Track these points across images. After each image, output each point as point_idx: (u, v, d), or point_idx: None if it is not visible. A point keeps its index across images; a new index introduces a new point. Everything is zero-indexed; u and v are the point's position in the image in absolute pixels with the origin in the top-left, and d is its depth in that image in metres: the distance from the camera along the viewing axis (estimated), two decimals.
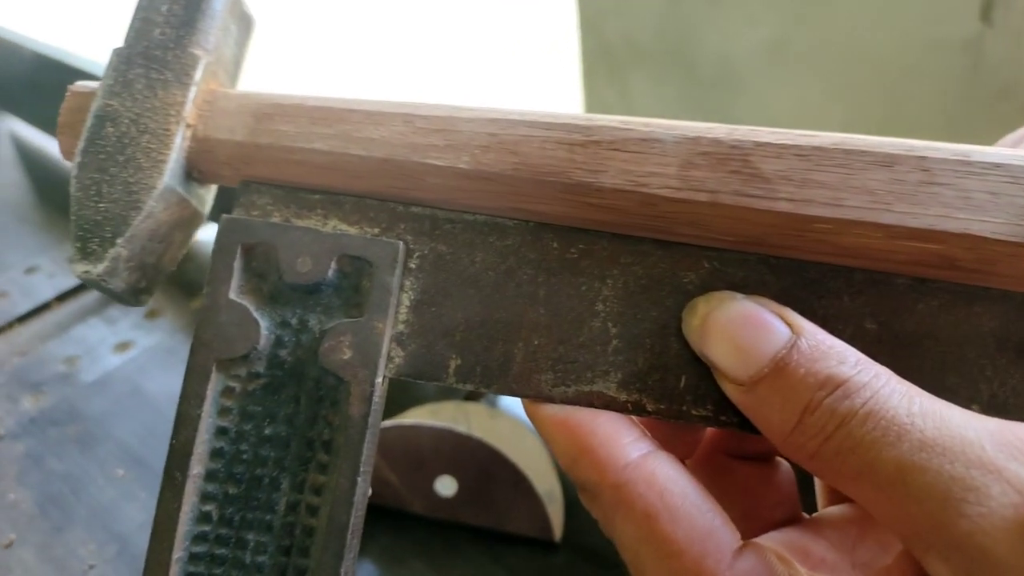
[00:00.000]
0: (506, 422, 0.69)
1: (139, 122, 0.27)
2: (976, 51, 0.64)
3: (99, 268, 0.26)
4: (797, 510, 0.30)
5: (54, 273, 0.89)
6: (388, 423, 0.64)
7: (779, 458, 0.31)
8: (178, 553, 0.24)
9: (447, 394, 0.73)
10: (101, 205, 0.26)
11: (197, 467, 0.25)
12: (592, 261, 0.26)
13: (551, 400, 0.25)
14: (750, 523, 0.29)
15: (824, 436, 0.21)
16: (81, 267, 0.26)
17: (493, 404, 0.72)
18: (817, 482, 0.31)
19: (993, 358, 0.24)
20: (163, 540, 0.24)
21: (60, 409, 0.74)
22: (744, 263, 0.25)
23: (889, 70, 0.73)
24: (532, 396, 0.25)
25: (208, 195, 0.30)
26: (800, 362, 0.22)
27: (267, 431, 0.25)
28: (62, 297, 0.86)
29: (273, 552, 0.25)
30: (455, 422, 0.67)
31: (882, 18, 0.71)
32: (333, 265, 0.25)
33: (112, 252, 0.26)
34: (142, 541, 0.64)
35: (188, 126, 0.28)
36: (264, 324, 0.25)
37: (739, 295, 0.24)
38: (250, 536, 0.25)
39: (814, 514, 0.29)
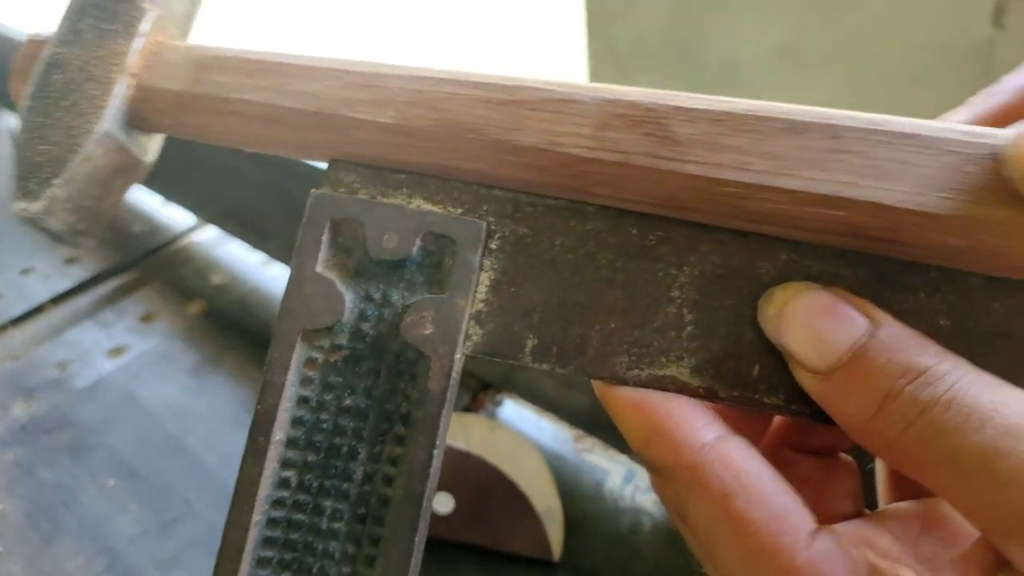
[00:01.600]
0: (506, 436, 0.69)
1: (85, 69, 0.29)
2: (987, 56, 0.65)
3: (36, 206, 0.27)
4: (860, 505, 0.30)
5: (49, 275, 0.88)
6: None
7: (842, 454, 0.31)
8: (257, 516, 0.25)
9: None
10: (42, 147, 0.28)
11: (279, 433, 0.25)
12: (670, 248, 0.26)
13: (625, 383, 0.26)
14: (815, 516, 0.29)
15: (905, 423, 0.22)
16: (20, 205, 0.28)
17: (493, 416, 0.72)
18: (879, 478, 0.32)
19: None
20: (244, 503, 0.25)
21: (52, 416, 0.74)
22: (821, 256, 0.26)
23: (898, 75, 0.73)
24: (607, 378, 0.26)
25: (151, 144, 0.32)
26: (880, 351, 0.23)
27: (347, 402, 0.26)
28: (56, 300, 0.85)
29: (349, 519, 0.25)
30: (454, 435, 0.67)
31: (891, 22, 0.71)
32: (418, 242, 0.26)
33: (49, 192, 0.27)
34: (132, 555, 0.63)
35: (132, 75, 0.29)
36: (348, 298, 0.26)
37: (817, 286, 0.25)
38: (327, 503, 0.25)
39: (877, 510, 0.30)
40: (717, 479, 0.24)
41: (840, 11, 0.77)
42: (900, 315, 0.25)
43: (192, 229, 0.96)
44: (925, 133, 0.24)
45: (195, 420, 0.72)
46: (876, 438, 0.23)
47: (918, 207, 0.24)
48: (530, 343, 0.26)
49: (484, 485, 0.64)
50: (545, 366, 0.26)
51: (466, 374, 0.75)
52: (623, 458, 0.70)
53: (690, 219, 0.26)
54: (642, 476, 0.68)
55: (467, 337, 0.26)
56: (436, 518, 0.65)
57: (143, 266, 0.90)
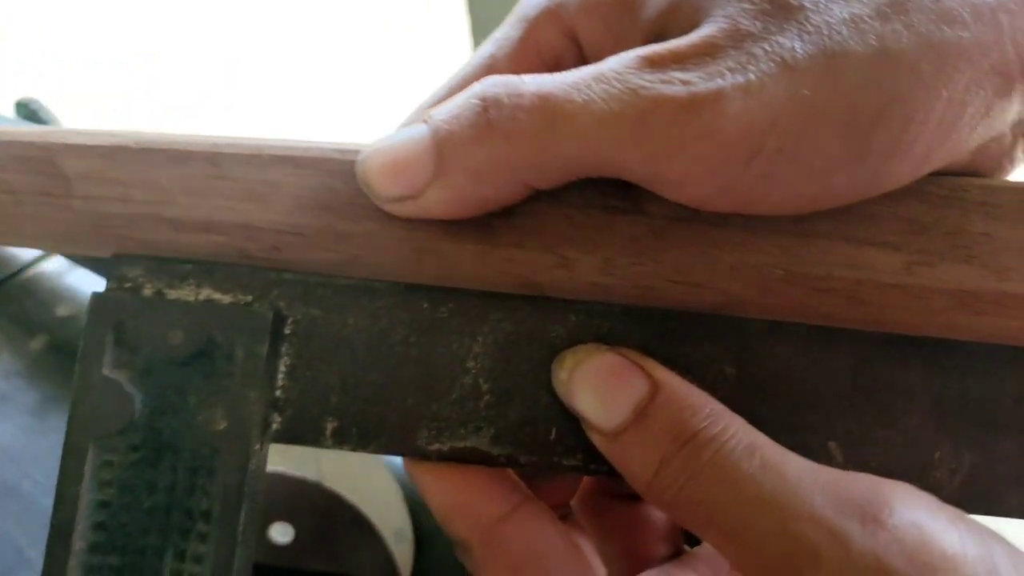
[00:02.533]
0: (356, 457, 0.69)
1: None
2: None
3: None
4: (678, 544, 0.32)
5: None
6: None
7: None
8: None
9: None
10: None
11: (80, 542, 0.25)
12: (462, 319, 0.27)
13: (428, 457, 0.26)
14: (632, 560, 0.31)
15: (678, 487, 0.23)
16: None
17: None
18: None
19: (848, 395, 0.26)
20: None
21: None
22: (608, 314, 0.27)
23: None
24: (408, 454, 0.27)
25: None
26: (658, 413, 0.24)
27: (148, 503, 0.26)
28: None
29: None
30: (303, 461, 0.66)
31: None
32: (205, 336, 0.26)
33: None
34: None
35: None
36: (139, 398, 0.26)
37: (604, 347, 0.26)
38: None
39: (693, 549, 0.31)
40: (507, 554, 0.25)
41: None
42: (687, 368, 0.26)
43: (39, 259, 0.91)
44: (299, 155, 0.26)
45: (32, 463, 0.69)
46: (656, 498, 0.24)
47: (288, 227, 0.26)
48: (330, 426, 0.27)
49: (323, 511, 0.64)
50: (347, 447, 0.27)
51: None
52: None
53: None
54: None
55: (266, 426, 0.26)
56: (277, 548, 0.64)
57: None
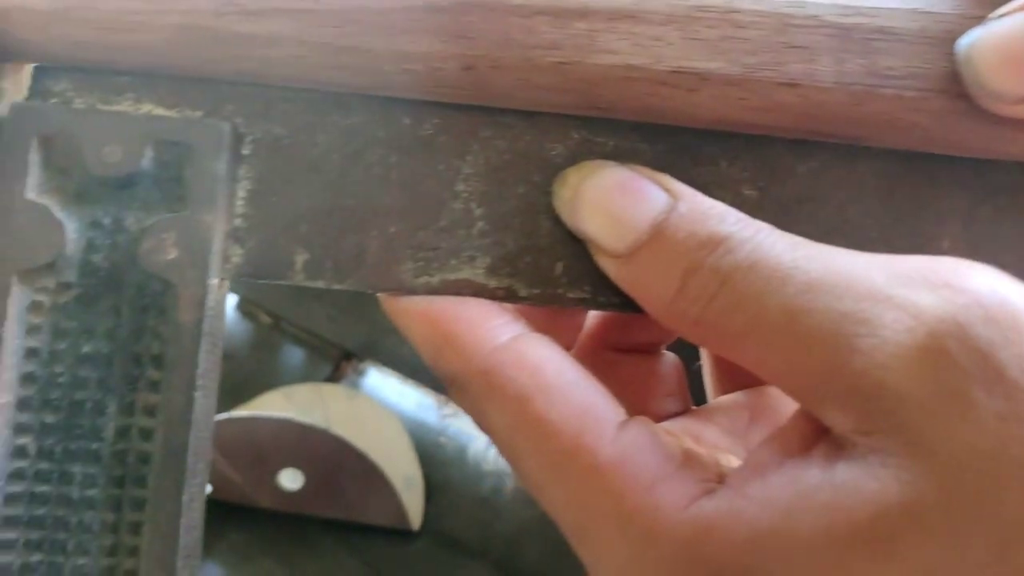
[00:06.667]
0: (365, 404, 0.68)
1: None
2: None
3: None
4: (687, 402, 0.29)
5: None
6: (222, 416, 0.62)
7: (665, 350, 0.30)
8: None
9: (304, 376, 0.72)
10: None
11: (5, 396, 0.21)
12: (449, 137, 0.23)
13: (415, 292, 0.23)
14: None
15: (708, 297, 0.20)
16: None
17: (355, 386, 0.71)
18: (706, 372, 0.30)
19: (878, 217, 0.24)
20: None
21: None
22: (615, 131, 0.23)
23: None
24: (392, 290, 0.23)
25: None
26: (680, 225, 0.21)
27: (85, 349, 0.22)
28: None
29: (105, 484, 0.22)
30: (310, 406, 0.65)
31: None
32: (148, 153, 0.22)
33: None
34: None
35: None
36: (71, 226, 0.22)
37: (612, 163, 0.23)
38: (76, 469, 0.22)
39: (704, 405, 0.28)
40: (511, 382, 0.21)
41: None
42: (703, 187, 0.23)
43: None
44: None
45: None
46: (681, 318, 0.21)
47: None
48: (300, 258, 0.23)
49: (333, 458, 0.63)
50: (320, 283, 0.23)
51: (327, 343, 0.74)
52: None
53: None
54: None
55: (225, 259, 0.23)
56: (286, 494, 0.63)
57: None
